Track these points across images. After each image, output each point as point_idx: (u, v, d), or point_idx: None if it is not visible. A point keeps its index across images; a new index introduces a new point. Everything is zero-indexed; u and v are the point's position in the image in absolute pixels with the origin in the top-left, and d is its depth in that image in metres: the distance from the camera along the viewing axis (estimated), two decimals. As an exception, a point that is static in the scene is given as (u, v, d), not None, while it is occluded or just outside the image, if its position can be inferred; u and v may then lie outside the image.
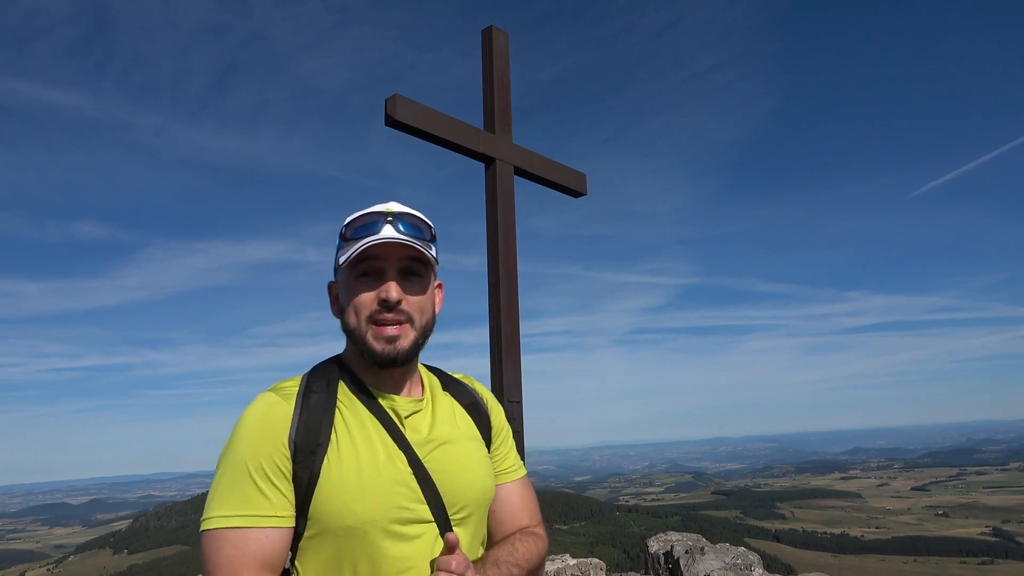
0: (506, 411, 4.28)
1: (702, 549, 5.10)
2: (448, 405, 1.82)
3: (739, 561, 4.95)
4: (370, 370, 1.73)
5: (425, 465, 1.68)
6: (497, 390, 4.32)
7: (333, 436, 1.64)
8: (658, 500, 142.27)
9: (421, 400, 1.77)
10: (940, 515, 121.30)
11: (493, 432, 1.89)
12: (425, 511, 1.65)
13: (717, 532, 70.13)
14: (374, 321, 1.68)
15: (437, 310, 1.81)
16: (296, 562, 1.64)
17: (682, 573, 4.94)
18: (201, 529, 1.61)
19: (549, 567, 3.99)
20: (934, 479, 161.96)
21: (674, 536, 5.52)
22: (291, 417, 1.64)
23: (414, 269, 1.72)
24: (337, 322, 1.77)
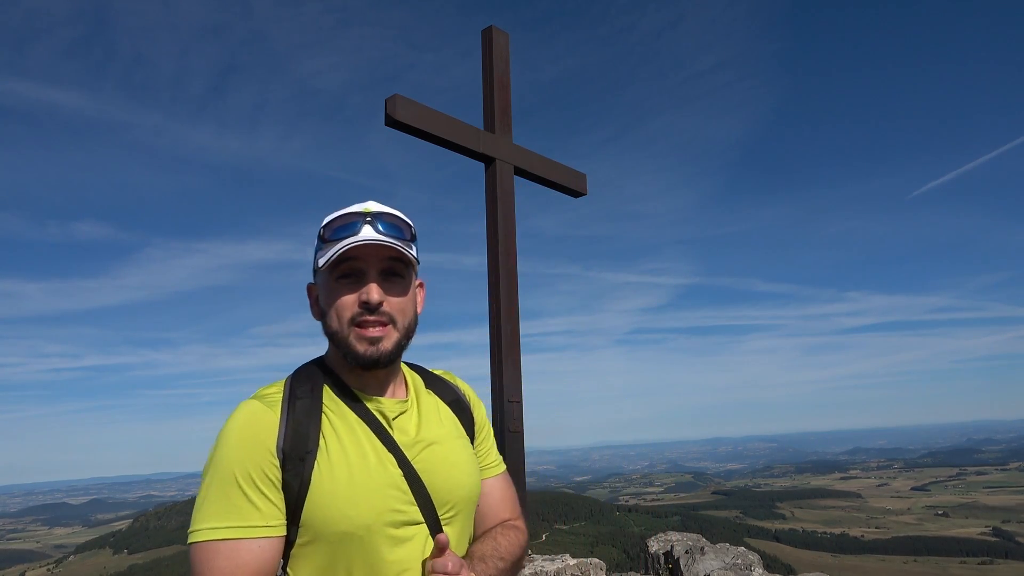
0: (506, 411, 4.31)
1: (702, 549, 5.10)
2: (432, 404, 1.81)
3: (739, 561, 4.95)
4: (354, 372, 1.71)
5: (414, 466, 1.67)
6: (497, 390, 4.33)
7: (322, 442, 1.62)
8: (658, 500, 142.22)
9: (406, 401, 1.75)
10: (940, 515, 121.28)
11: (476, 428, 1.90)
12: (416, 512, 1.64)
13: (717, 532, 70.17)
14: (356, 324, 1.65)
15: (419, 310, 1.80)
16: (288, 569, 1.62)
17: (682, 573, 4.94)
18: (189, 541, 1.58)
19: (549, 567, 3.98)
20: (934, 479, 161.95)
21: (674, 536, 5.52)
22: (277, 425, 1.61)
23: (395, 270, 1.70)
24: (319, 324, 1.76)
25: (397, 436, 1.69)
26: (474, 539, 1.80)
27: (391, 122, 4.01)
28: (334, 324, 1.67)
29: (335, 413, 1.67)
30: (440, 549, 1.60)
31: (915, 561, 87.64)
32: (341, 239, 1.67)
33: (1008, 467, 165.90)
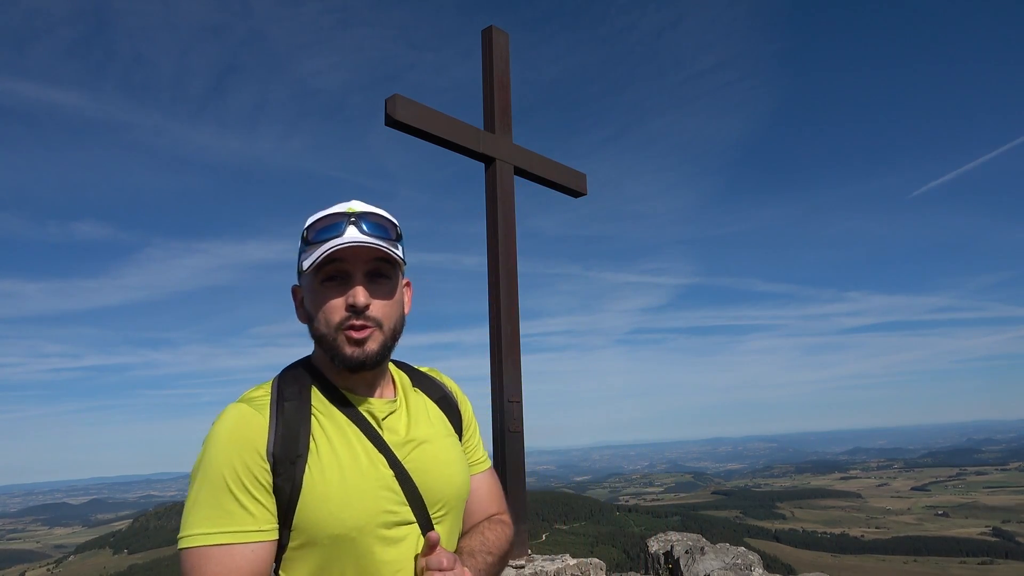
0: (506, 411, 4.30)
1: (702, 549, 5.10)
2: (420, 403, 1.80)
3: (739, 561, 4.95)
4: (342, 373, 1.69)
5: (405, 466, 1.66)
6: (497, 390, 4.33)
7: (312, 445, 1.60)
8: (658, 500, 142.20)
9: (394, 401, 1.74)
10: (940, 515, 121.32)
11: (464, 424, 1.89)
12: (408, 512, 1.63)
13: (717, 532, 70.16)
14: (343, 328, 1.63)
15: (407, 310, 1.78)
16: (281, 572, 1.60)
17: (682, 573, 4.94)
18: (180, 547, 1.56)
19: (549, 567, 3.98)
20: (934, 479, 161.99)
21: (674, 536, 5.52)
22: (267, 428, 1.58)
23: (382, 271, 1.67)
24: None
25: (387, 436, 1.67)
26: (462, 534, 1.80)
27: (391, 122, 4.01)
28: (322, 328, 1.64)
29: (324, 415, 1.65)
30: (431, 546, 1.59)
31: (915, 561, 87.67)
32: (325, 241, 1.63)
33: (1008, 467, 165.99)
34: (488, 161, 4.51)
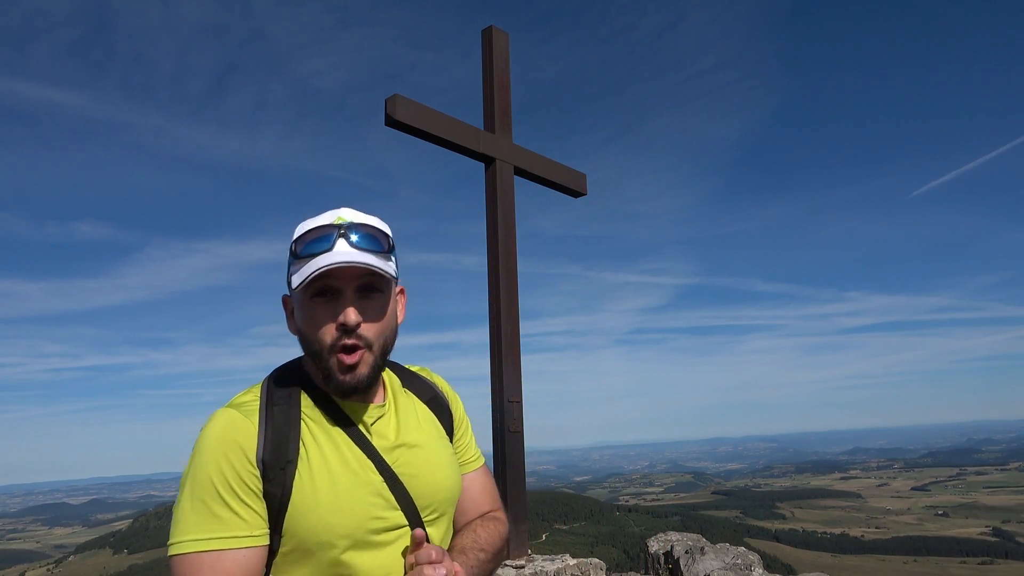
0: (506, 411, 4.30)
1: (702, 549, 5.10)
2: (410, 405, 1.78)
3: (739, 561, 4.95)
4: None
5: (395, 471, 1.65)
6: (497, 390, 4.33)
7: (302, 450, 1.59)
8: (658, 500, 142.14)
9: (383, 405, 1.72)
10: (940, 515, 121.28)
11: (455, 423, 1.87)
12: (399, 517, 1.63)
13: (717, 532, 70.16)
14: (336, 350, 1.60)
15: (400, 319, 1.75)
16: None
17: (682, 573, 4.94)
18: (170, 553, 1.55)
19: (549, 567, 3.98)
20: (934, 479, 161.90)
21: (674, 536, 5.51)
22: (256, 434, 1.57)
23: (373, 284, 1.62)
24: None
25: (376, 441, 1.66)
26: (455, 533, 1.80)
27: (391, 122, 4.01)
28: (314, 346, 1.62)
29: (314, 420, 1.63)
30: (417, 544, 1.58)
31: (915, 561, 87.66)
32: (314, 256, 1.59)
33: (1008, 467, 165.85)
34: (488, 161, 4.51)
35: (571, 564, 4.09)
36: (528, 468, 4.37)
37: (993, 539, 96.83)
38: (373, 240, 1.63)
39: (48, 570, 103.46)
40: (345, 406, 1.67)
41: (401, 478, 1.65)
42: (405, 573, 1.60)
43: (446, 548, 1.73)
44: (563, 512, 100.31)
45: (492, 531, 1.80)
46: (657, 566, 5.27)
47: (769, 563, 6.33)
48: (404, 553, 1.62)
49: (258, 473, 1.56)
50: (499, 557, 1.81)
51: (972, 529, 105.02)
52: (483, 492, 1.89)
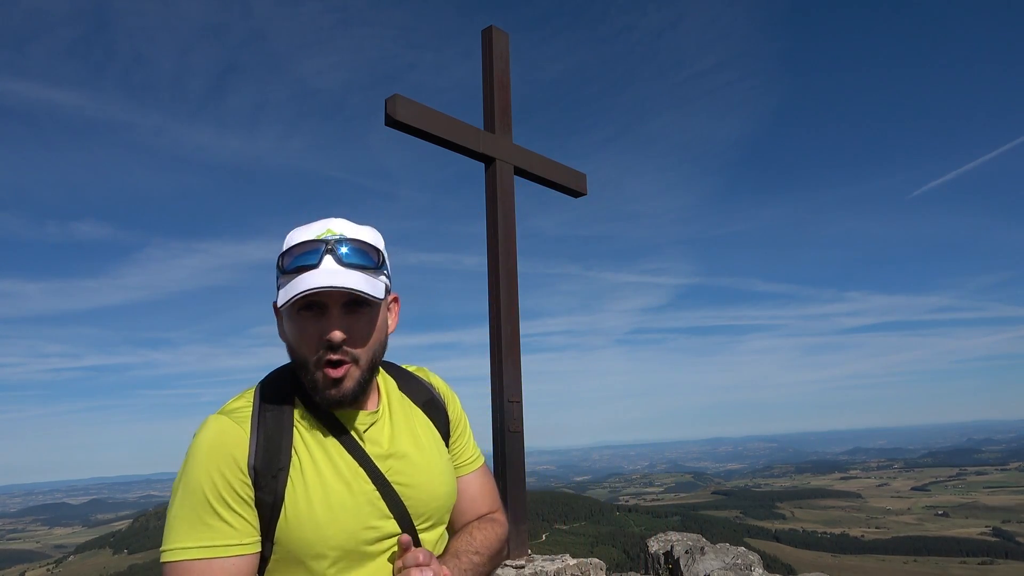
0: (506, 411, 4.30)
1: (702, 549, 5.10)
2: (405, 410, 1.76)
3: (739, 561, 4.95)
4: None
5: (388, 479, 1.63)
6: (497, 390, 4.33)
7: (294, 458, 1.58)
8: (658, 500, 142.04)
9: (377, 412, 1.69)
10: (940, 515, 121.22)
11: (451, 425, 1.84)
12: (393, 526, 1.62)
13: (717, 532, 70.12)
14: (321, 364, 1.58)
15: (391, 329, 1.72)
16: None
17: (682, 573, 4.94)
18: (162, 560, 1.55)
19: (549, 567, 3.98)
20: (934, 479, 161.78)
21: (674, 536, 5.51)
22: (247, 442, 1.56)
23: (362, 299, 1.59)
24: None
25: (369, 449, 1.64)
26: (451, 535, 1.78)
27: (391, 122, 4.01)
28: (300, 359, 1.60)
29: (306, 427, 1.62)
30: (404, 549, 1.57)
31: (915, 561, 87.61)
32: (300, 270, 1.56)
33: (1008, 467, 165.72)
34: (488, 161, 4.51)
35: (571, 564, 4.09)
36: (528, 468, 4.37)
37: (993, 539, 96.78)
38: (362, 255, 1.59)
39: (48, 570, 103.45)
40: (338, 413, 1.65)
41: (394, 487, 1.63)
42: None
43: (440, 553, 1.72)
44: (563, 512, 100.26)
45: (489, 533, 1.78)
46: (657, 566, 5.27)
47: (769, 563, 6.33)
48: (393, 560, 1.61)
49: (249, 481, 1.55)
50: (496, 559, 1.78)
51: (972, 529, 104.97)
52: (482, 494, 1.86)
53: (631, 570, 5.61)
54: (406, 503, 1.64)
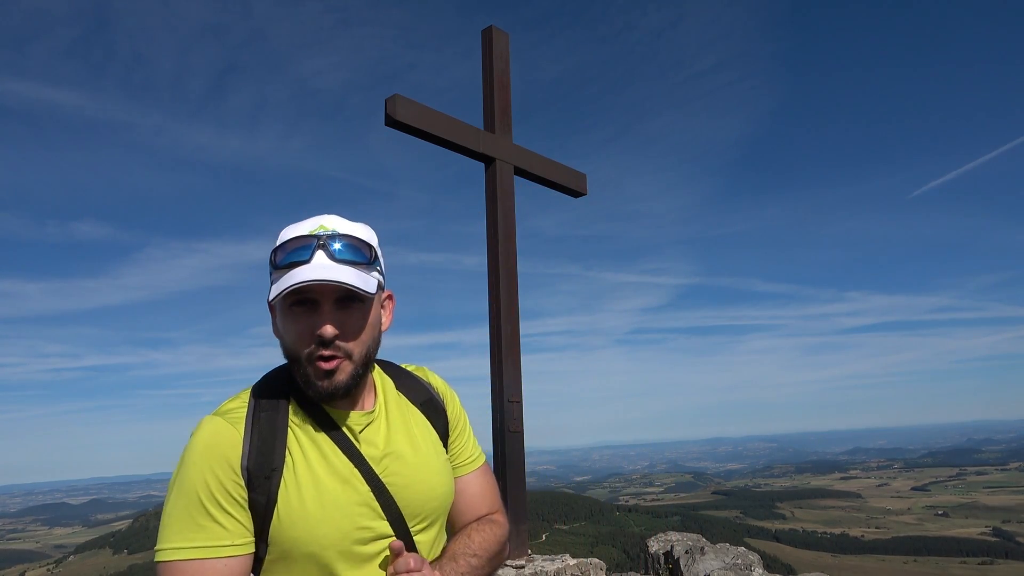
0: (506, 411, 4.30)
1: (702, 549, 5.10)
2: (402, 410, 1.74)
3: (739, 561, 4.95)
4: None
5: (383, 480, 1.62)
6: (497, 390, 4.32)
7: (288, 458, 1.58)
8: (658, 500, 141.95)
9: (373, 412, 1.69)
10: (940, 515, 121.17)
11: (450, 425, 1.82)
12: (386, 527, 1.61)
13: (717, 532, 70.12)
14: (313, 359, 1.58)
15: (386, 326, 1.72)
16: None
17: (682, 573, 4.94)
18: (156, 560, 1.56)
19: (549, 567, 3.98)
20: (934, 479, 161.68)
21: (674, 536, 5.51)
22: (241, 442, 1.56)
23: (354, 295, 1.60)
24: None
25: (364, 449, 1.63)
26: (450, 536, 1.77)
27: (391, 122, 4.01)
28: (292, 354, 1.61)
29: (300, 428, 1.62)
30: (396, 554, 1.57)
31: (915, 561, 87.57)
32: (292, 266, 1.57)
33: (1008, 467, 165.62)
34: (488, 161, 4.51)
35: (571, 564, 4.09)
36: (528, 468, 4.37)
37: (993, 539, 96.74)
38: (354, 251, 1.60)
39: (48, 570, 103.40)
40: (333, 413, 1.64)
41: (389, 488, 1.62)
42: None
43: (437, 555, 1.71)
44: (563, 512, 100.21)
45: (487, 535, 1.76)
46: (657, 566, 5.27)
47: (769, 563, 6.33)
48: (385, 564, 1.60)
49: (242, 482, 1.55)
50: (495, 561, 1.77)
51: (972, 529, 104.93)
52: (481, 494, 1.84)
53: (631, 570, 5.61)
54: (400, 504, 1.63)
